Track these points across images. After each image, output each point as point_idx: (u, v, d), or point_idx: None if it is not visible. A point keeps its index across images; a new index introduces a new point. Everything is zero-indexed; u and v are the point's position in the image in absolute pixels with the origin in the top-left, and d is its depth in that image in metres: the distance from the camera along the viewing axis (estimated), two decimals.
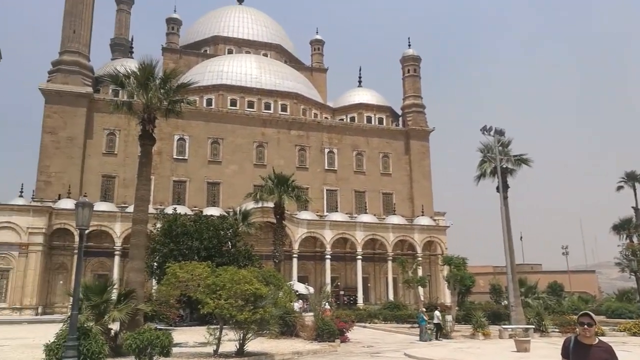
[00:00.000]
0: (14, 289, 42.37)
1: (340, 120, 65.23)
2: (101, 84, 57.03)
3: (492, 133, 32.94)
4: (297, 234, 51.88)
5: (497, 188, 33.92)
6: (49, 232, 45.18)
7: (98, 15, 59.66)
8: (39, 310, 43.33)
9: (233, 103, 59.77)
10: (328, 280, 50.56)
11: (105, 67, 60.98)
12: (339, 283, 53.14)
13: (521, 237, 77.23)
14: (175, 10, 70.62)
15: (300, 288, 37.43)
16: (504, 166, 34.27)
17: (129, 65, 43.26)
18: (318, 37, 75.73)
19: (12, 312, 41.72)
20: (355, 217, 57.87)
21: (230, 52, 69.09)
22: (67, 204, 46.89)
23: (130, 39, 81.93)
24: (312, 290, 35.16)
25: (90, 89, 54.11)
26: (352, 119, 65.39)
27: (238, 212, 39.85)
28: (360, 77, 71.43)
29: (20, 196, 47.82)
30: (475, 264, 63.15)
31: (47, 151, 51.41)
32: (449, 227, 60.43)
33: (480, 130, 32.93)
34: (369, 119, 65.40)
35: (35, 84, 53.43)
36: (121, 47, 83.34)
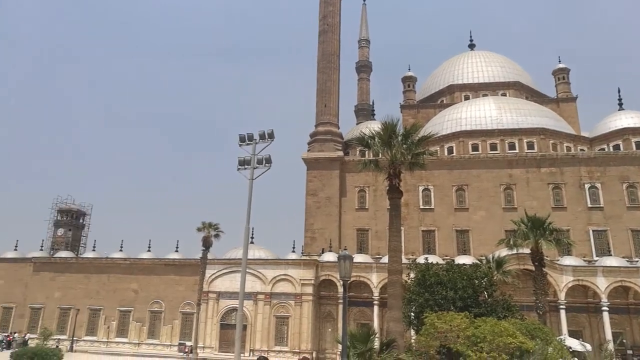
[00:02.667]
0: (292, 334, 48.18)
1: (600, 150, 57.53)
2: (350, 147, 62.98)
3: None
4: (562, 282, 46.36)
5: None
6: (316, 283, 50.43)
7: (342, 87, 66.88)
8: (314, 355, 47.97)
9: (475, 148, 58.61)
10: (609, 336, 43.37)
11: (352, 131, 67.30)
12: (624, 340, 44.98)
13: None
14: (409, 69, 74.26)
15: (574, 344, 32.97)
16: None
17: (372, 126, 46.77)
18: (561, 65, 69.61)
19: (292, 355, 47.27)
20: (637, 261, 49.01)
21: (466, 98, 68.71)
22: (330, 257, 52.02)
23: (371, 103, 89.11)
24: (589, 347, 30.63)
25: (341, 153, 60.17)
26: (616, 147, 56.97)
27: (491, 260, 37.91)
28: (620, 99, 62.43)
29: (293, 251, 55.04)
30: None
31: (310, 211, 58.47)
32: None
33: None
34: (638, 145, 56.00)
35: (297, 155, 62.07)
36: (364, 111, 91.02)
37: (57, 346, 42.48)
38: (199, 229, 47.77)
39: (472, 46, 79.54)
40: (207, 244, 48.11)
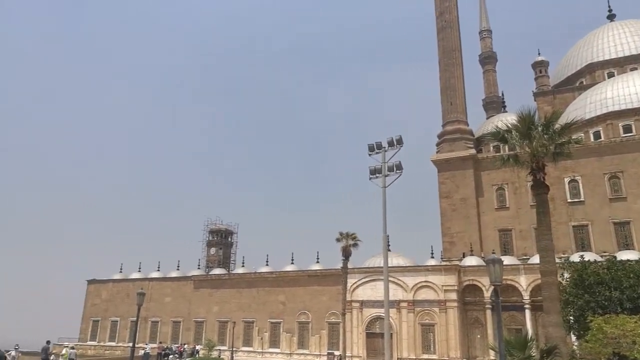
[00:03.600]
0: (439, 342, 46.92)
1: None
2: (482, 144, 60.20)
3: None
4: None
5: None
6: (460, 288, 48.60)
7: (467, 82, 64.36)
8: None
9: (627, 129, 52.44)
10: None
11: (483, 126, 64.35)
12: None
13: None
14: (539, 53, 69.16)
15: None
16: None
17: (506, 119, 44.28)
18: None
19: None
20: None
21: (610, 75, 61.91)
22: (472, 261, 49.97)
23: (500, 95, 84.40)
24: None
25: (473, 151, 57.72)
26: None
27: None
28: None
29: (432, 257, 53.79)
30: None
31: (446, 214, 56.78)
32: None
33: None
34: None
35: (426, 157, 60.79)
36: (493, 104, 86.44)
37: (219, 356, 46.36)
38: (337, 240, 49.02)
39: (611, 17, 71.65)
40: (346, 254, 49.13)
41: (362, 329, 50.06)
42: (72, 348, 34.28)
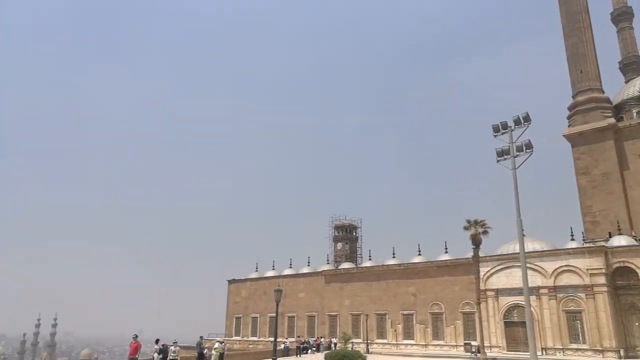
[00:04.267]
0: (589, 330, 43.13)
1: None
2: (622, 110, 54.19)
3: None
4: None
5: None
6: (608, 272, 44.25)
7: (597, 44, 58.04)
8: (621, 353, 41.92)
9: None
10: None
11: (622, 92, 57.88)
12: None
13: None
14: None
15: None
16: None
17: None
18: None
19: (594, 354, 42.23)
20: None
21: None
22: (621, 240, 45.38)
23: None
24: None
25: (612, 120, 52.11)
26: None
27: None
28: None
29: (572, 239, 49.59)
30: None
31: (585, 192, 51.97)
32: None
33: None
34: None
35: (555, 133, 56.15)
36: (632, 65, 77.23)
37: (351, 348, 47.05)
38: (465, 228, 47.09)
39: None
40: (476, 242, 47.00)
41: (499, 318, 47.83)
42: (221, 342, 37.17)
